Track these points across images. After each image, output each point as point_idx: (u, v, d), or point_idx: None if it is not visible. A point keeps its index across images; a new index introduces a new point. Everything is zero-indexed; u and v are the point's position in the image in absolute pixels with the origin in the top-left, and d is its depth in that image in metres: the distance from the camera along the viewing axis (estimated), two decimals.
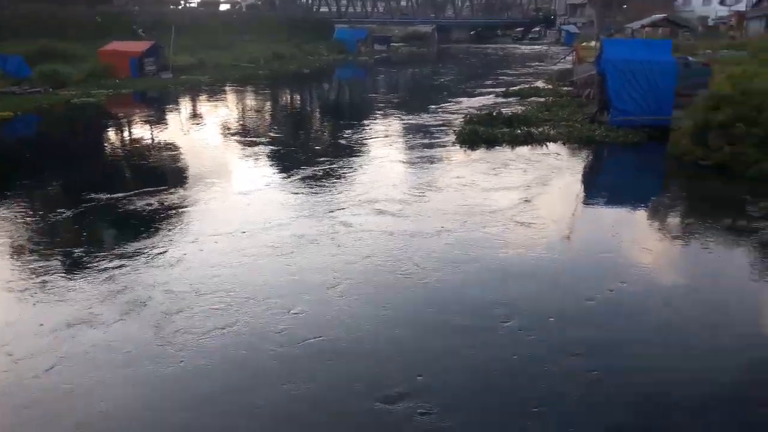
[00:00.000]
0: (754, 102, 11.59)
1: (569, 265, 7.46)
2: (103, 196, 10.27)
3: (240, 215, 9.29)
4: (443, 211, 9.33)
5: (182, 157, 14.54)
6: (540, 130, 15.39)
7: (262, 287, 6.65)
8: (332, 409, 4.71)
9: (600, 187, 12.06)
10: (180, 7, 53.05)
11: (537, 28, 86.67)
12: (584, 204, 10.45)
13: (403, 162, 13.44)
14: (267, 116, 21.55)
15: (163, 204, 9.91)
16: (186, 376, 5.08)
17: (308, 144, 16.49)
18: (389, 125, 18.25)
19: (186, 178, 12.22)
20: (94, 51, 29.77)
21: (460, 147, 14.44)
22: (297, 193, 10.67)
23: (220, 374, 5.09)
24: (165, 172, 12.91)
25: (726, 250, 8.11)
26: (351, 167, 12.73)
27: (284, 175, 12.19)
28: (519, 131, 15.23)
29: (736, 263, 7.69)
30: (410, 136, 16.36)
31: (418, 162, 13.23)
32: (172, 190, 10.76)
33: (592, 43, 26.77)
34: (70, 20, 35.83)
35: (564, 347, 5.45)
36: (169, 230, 8.63)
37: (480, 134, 14.94)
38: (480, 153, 13.85)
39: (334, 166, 12.67)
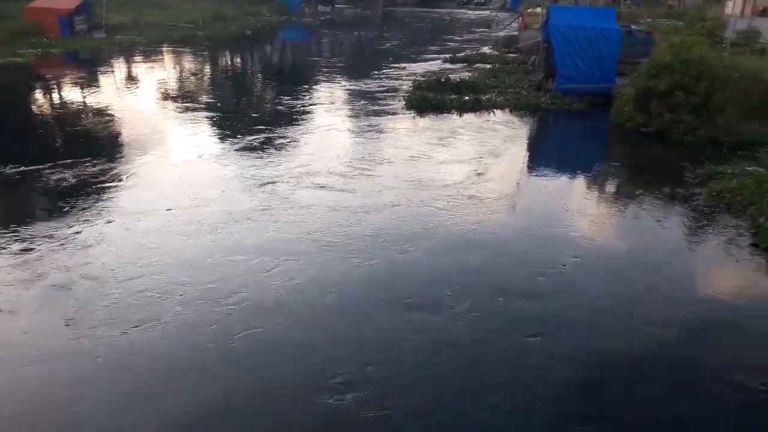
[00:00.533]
0: (692, 71, 11.75)
1: (518, 238, 7.52)
2: (13, 168, 9.33)
3: (168, 190, 8.68)
4: (389, 186, 8.96)
5: (111, 124, 13.55)
6: (487, 97, 15.35)
7: (190, 271, 6.15)
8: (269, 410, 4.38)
9: (547, 156, 12.10)
10: None
11: None
12: (532, 174, 10.50)
13: (349, 131, 12.92)
14: (205, 80, 20.47)
15: (82, 177, 9.12)
16: (103, 375, 4.61)
17: (247, 111, 15.68)
18: (334, 91, 17.76)
19: (112, 147, 11.40)
20: (18, 7, 27.53)
21: (409, 112, 14.28)
22: (231, 165, 9.99)
23: (142, 374, 4.65)
24: (90, 140, 12.04)
25: (665, 216, 8.33)
26: (292, 137, 12.14)
27: (220, 145, 11.48)
28: (467, 98, 15.17)
29: (674, 229, 7.82)
30: (356, 102, 15.93)
31: (364, 131, 12.78)
32: (96, 162, 9.95)
33: (538, 10, 26.61)
34: None
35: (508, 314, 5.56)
36: (87, 207, 7.92)
37: (429, 100, 14.84)
38: (429, 121, 13.65)
39: (273, 135, 12.11)
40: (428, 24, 49.90)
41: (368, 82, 18.88)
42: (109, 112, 14.56)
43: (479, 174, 9.65)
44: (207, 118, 13.89)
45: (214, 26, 37.95)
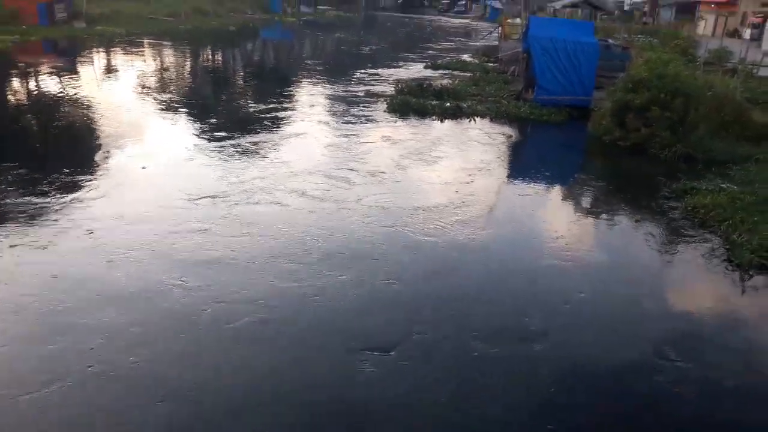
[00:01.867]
0: (668, 87, 12.18)
1: (494, 248, 7.61)
2: None
3: (100, 204, 7.83)
4: (361, 205, 8.32)
5: (69, 118, 12.91)
6: (468, 104, 15.55)
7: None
8: None
9: (527, 168, 11.90)
10: None
11: (463, 2, 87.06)
12: (511, 186, 10.37)
13: (325, 137, 12.26)
14: (182, 76, 20.23)
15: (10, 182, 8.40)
16: None
17: (219, 111, 14.88)
18: (313, 93, 17.71)
19: (63, 147, 10.75)
20: None
21: (391, 116, 14.39)
22: (180, 174, 9.20)
23: None
24: (41, 138, 11.46)
25: (641, 229, 8.53)
26: (260, 143, 11.38)
27: (178, 149, 10.64)
28: (448, 104, 15.35)
29: (650, 243, 8.10)
30: (335, 106, 15.80)
31: (341, 137, 12.32)
32: (34, 164, 9.28)
33: (517, 20, 27.11)
34: None
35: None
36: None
37: (411, 105, 15.02)
38: (409, 126, 13.67)
39: (239, 140, 11.45)
40: (409, 29, 50.26)
41: (348, 85, 18.95)
42: (73, 103, 14.15)
43: (457, 191, 9.23)
44: (174, 117, 13.48)
45: (195, 20, 37.68)
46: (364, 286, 6.17)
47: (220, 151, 10.62)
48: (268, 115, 13.90)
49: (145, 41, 27.54)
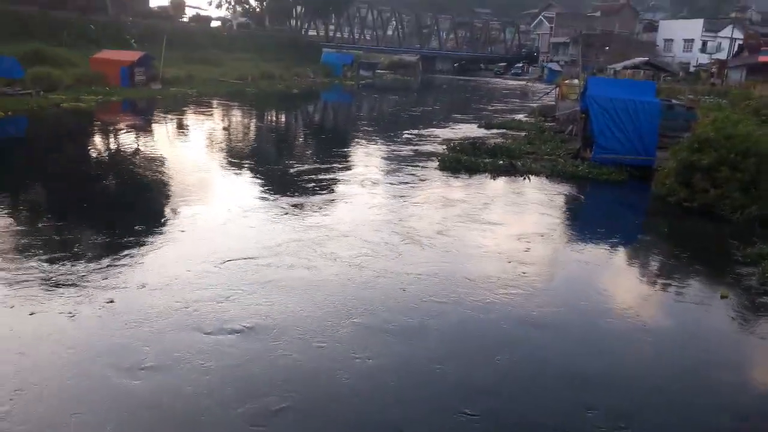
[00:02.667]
0: (738, 147, 11.56)
1: (553, 317, 6.96)
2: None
3: (154, 261, 7.71)
4: (408, 265, 7.89)
5: (131, 176, 13.05)
6: (521, 162, 15.28)
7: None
8: None
9: (587, 230, 11.14)
10: (172, 21, 52.70)
11: (520, 64, 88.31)
12: (572, 251, 9.44)
13: (374, 199, 11.76)
14: (250, 135, 21.11)
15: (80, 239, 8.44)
16: None
17: (275, 171, 14.38)
18: (369, 152, 17.79)
19: (117, 208, 10.63)
20: (85, 58, 29.79)
21: (442, 174, 14.26)
22: (231, 235, 8.94)
23: None
24: (113, 194, 11.68)
25: (716, 300, 7.81)
26: (313, 203, 11.08)
27: (252, 203, 10.78)
28: (502, 162, 15.13)
29: (725, 313, 7.41)
30: (386, 166, 15.62)
31: (390, 200, 11.75)
32: (98, 222, 9.39)
33: (575, 81, 26.97)
34: (63, 26, 35.43)
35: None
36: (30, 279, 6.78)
37: (463, 162, 14.88)
38: (461, 189, 13.06)
39: (292, 198, 11.28)
40: (464, 91, 51.08)
41: (399, 144, 18.96)
42: (133, 161, 14.63)
43: (511, 259, 8.41)
44: (226, 176, 13.44)
45: (262, 83, 39.73)
46: (404, 370, 5.47)
47: (264, 212, 10.26)
48: (316, 176, 13.42)
49: (214, 101, 29.10)
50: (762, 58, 42.27)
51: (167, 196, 11.46)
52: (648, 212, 13.13)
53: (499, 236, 9.68)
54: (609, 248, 9.81)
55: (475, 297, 7.11)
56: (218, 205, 10.77)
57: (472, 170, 14.45)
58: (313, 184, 12.75)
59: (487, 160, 15.23)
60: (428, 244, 8.91)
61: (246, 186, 12.77)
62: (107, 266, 7.40)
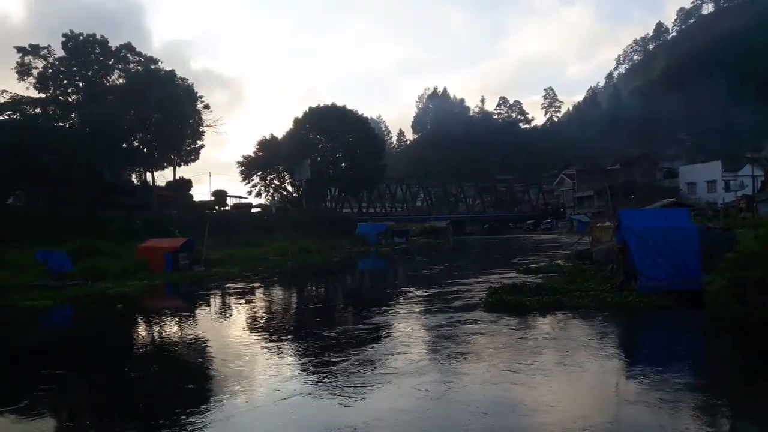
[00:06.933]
0: None
1: None
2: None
3: None
4: None
5: (167, 362, 11.97)
6: (566, 298, 15.12)
7: None
8: None
9: (653, 359, 10.24)
10: (214, 211, 57.04)
11: (549, 219, 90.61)
12: (639, 388, 8.37)
13: (412, 368, 9.84)
14: (290, 308, 20.24)
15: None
16: None
17: (309, 349, 12.11)
18: (408, 315, 15.62)
19: (143, 400, 9.39)
20: (131, 250, 32.02)
21: (488, 315, 14.14)
22: (291, 413, 7.93)
23: None
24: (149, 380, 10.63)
25: None
26: (345, 383, 9.18)
27: (252, 400, 8.75)
28: (547, 299, 14.99)
29: None
30: (421, 321, 14.40)
31: (427, 371, 9.68)
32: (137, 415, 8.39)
33: (607, 224, 27.45)
34: (112, 223, 38.91)
35: None
36: None
37: (506, 302, 14.79)
38: (504, 335, 11.99)
39: (322, 378, 9.62)
40: (497, 248, 51.90)
41: (435, 299, 17.95)
42: (171, 344, 13.66)
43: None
44: (258, 358, 11.47)
45: (300, 257, 41.42)
46: None
47: (283, 400, 8.52)
48: (351, 351, 11.40)
49: (255, 278, 30.12)
50: None
51: (196, 386, 10.08)
52: (704, 334, 12.42)
53: (559, 397, 8.21)
54: (675, 382, 8.71)
55: None
56: (244, 393, 9.14)
57: (516, 310, 14.29)
58: (347, 358, 10.81)
59: (533, 298, 15.18)
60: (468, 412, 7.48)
61: (271, 371, 10.37)
62: None
